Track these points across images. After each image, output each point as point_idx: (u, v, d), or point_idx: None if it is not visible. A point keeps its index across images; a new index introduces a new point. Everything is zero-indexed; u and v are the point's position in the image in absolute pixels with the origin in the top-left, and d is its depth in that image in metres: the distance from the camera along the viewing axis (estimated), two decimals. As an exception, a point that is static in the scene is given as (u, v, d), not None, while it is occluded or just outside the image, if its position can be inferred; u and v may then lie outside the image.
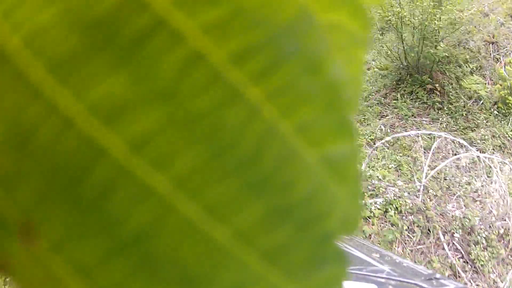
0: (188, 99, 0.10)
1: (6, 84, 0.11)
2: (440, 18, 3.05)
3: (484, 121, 3.16)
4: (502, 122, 3.17)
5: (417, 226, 2.35)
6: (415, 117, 3.23)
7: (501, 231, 2.32)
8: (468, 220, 2.34)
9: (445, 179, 2.63)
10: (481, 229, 2.32)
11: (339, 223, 0.11)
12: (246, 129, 0.10)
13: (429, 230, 2.33)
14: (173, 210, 0.10)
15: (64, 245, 0.11)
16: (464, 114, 3.21)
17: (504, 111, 3.22)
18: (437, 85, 3.31)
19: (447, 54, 3.24)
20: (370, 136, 2.98)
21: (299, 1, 0.12)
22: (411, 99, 3.35)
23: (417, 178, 2.61)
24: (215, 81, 0.10)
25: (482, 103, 3.29)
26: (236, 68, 0.10)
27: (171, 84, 0.10)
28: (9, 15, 0.11)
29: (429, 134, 2.92)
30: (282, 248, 0.11)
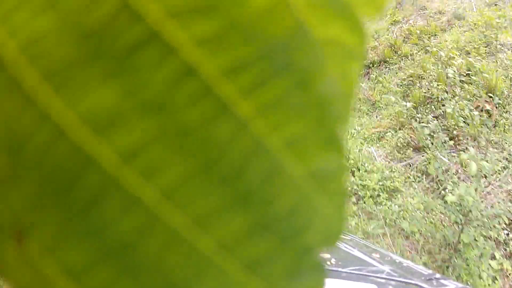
0: (178, 112, 0.10)
1: (1, 90, 0.11)
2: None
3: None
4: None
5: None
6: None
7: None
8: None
9: None
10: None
11: (320, 236, 0.11)
12: (234, 143, 0.10)
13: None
14: (159, 220, 0.10)
15: (54, 248, 0.11)
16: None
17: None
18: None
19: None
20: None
21: (295, 15, 0.12)
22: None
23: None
24: (206, 94, 0.10)
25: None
26: (227, 82, 0.11)
27: (162, 97, 0.10)
28: (6, 20, 0.11)
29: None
30: (264, 259, 0.11)
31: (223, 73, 0.11)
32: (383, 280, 1.00)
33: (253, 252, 0.11)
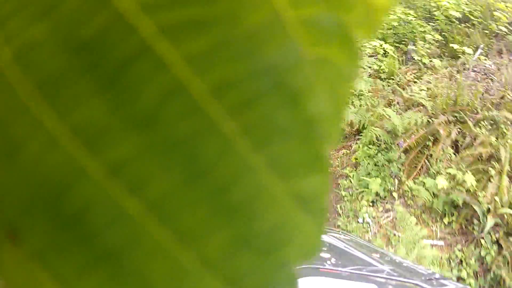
0: (166, 127, 0.11)
1: None
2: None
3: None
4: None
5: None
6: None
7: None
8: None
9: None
10: None
11: (298, 251, 0.11)
12: (219, 161, 0.11)
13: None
14: (144, 231, 0.11)
15: (44, 253, 0.11)
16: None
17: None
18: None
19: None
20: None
21: (288, 34, 0.12)
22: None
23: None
24: (194, 111, 0.11)
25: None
26: (215, 100, 0.11)
27: (151, 112, 0.11)
28: (2, 26, 0.11)
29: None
30: (243, 273, 0.11)
31: (211, 91, 0.11)
32: (383, 280, 1.00)
33: (232, 266, 0.11)
